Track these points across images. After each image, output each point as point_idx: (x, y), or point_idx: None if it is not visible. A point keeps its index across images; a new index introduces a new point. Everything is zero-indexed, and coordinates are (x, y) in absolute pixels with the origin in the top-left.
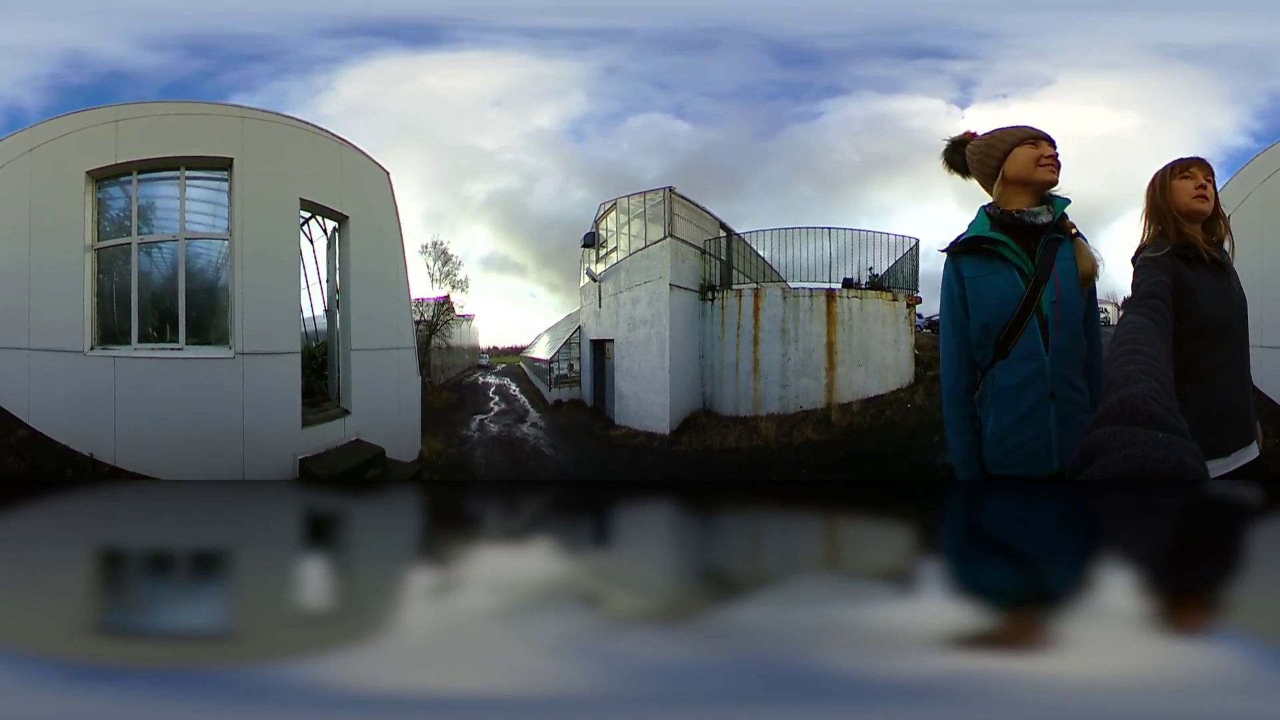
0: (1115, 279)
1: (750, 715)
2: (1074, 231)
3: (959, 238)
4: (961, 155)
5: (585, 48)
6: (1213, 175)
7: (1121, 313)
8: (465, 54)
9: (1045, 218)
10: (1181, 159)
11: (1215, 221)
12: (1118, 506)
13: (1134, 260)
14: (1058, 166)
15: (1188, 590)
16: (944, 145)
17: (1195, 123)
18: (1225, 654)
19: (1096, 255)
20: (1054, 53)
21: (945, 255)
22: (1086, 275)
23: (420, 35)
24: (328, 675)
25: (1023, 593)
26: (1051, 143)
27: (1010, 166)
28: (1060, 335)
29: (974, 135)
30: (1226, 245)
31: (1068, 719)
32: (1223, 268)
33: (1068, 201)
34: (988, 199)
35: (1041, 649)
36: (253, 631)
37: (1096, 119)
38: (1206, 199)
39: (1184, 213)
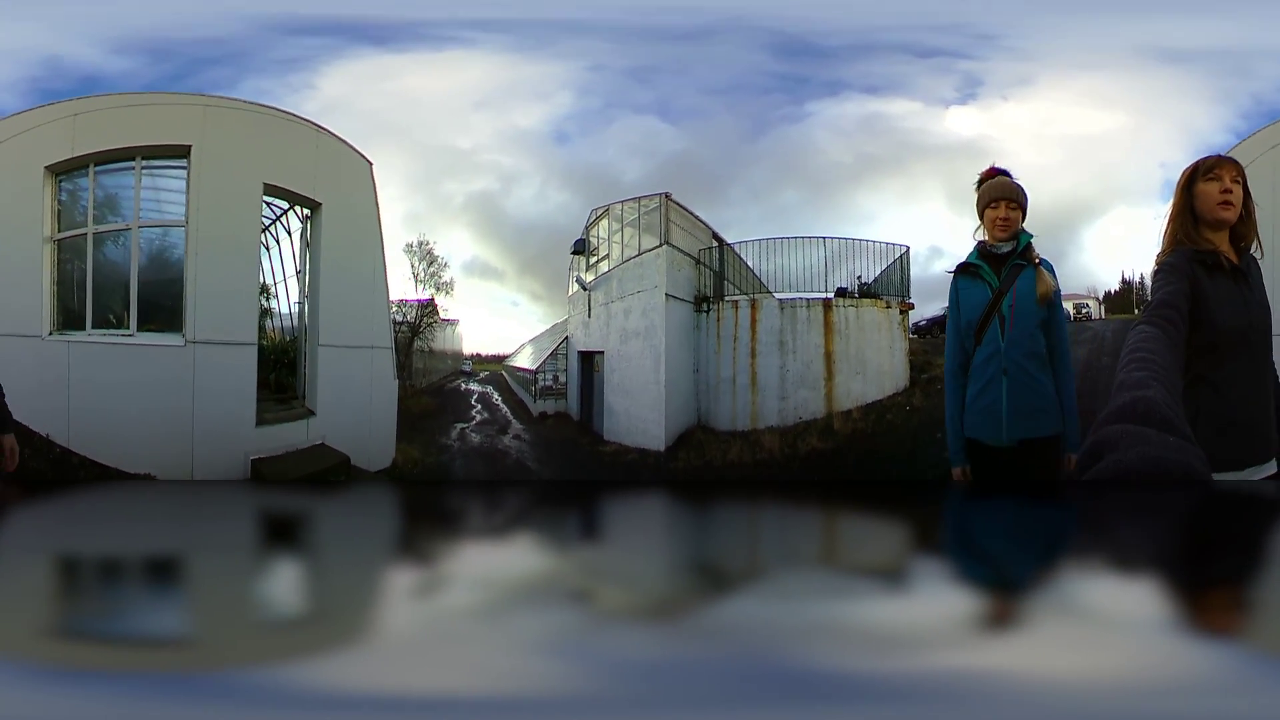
0: (1098, 274)
1: (742, 715)
2: (1036, 260)
3: (959, 263)
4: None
5: (574, 42)
6: (1242, 177)
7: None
8: (450, 53)
9: (1007, 249)
10: (1208, 158)
11: (1245, 226)
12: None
13: (1155, 264)
14: (1006, 228)
15: (1206, 589)
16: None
17: (1180, 122)
18: (1227, 655)
19: (1053, 280)
20: (1042, 54)
21: (951, 275)
22: (1043, 294)
23: (407, 35)
24: (307, 678)
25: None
26: (1013, 205)
27: (985, 220)
28: (1014, 330)
29: (993, 171)
30: (1255, 250)
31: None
32: (1245, 276)
33: (1030, 236)
34: (971, 202)
35: (1044, 646)
36: (228, 636)
37: (1083, 119)
38: (1232, 205)
39: (1208, 220)
